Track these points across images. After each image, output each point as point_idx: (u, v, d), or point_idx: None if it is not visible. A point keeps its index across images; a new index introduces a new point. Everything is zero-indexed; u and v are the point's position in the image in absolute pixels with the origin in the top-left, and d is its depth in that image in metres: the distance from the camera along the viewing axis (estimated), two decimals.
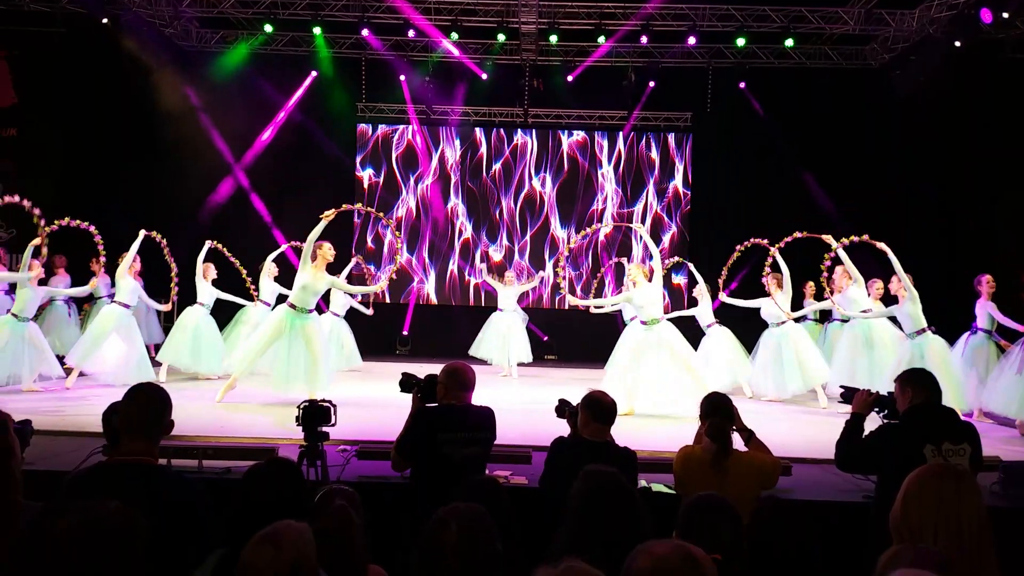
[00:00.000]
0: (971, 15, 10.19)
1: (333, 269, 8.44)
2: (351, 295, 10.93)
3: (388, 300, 13.99)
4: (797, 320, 9.49)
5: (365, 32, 12.23)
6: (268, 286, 10.22)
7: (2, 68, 12.60)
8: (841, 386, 4.28)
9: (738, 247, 9.59)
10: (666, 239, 14.11)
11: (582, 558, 1.73)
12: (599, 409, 3.79)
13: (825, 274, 8.91)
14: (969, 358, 8.22)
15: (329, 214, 7.86)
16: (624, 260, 11.92)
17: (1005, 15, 9.89)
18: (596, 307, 10.53)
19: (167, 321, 10.85)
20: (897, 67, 12.34)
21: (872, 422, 3.74)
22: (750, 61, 13.10)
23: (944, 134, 11.86)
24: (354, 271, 12.07)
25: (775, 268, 9.04)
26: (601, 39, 12.17)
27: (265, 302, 10.12)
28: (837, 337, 9.51)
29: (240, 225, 13.19)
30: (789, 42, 12.02)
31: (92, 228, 8.88)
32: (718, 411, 3.89)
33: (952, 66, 10.99)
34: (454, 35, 12.08)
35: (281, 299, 9.21)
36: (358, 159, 14.34)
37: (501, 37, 12.26)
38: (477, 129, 14.33)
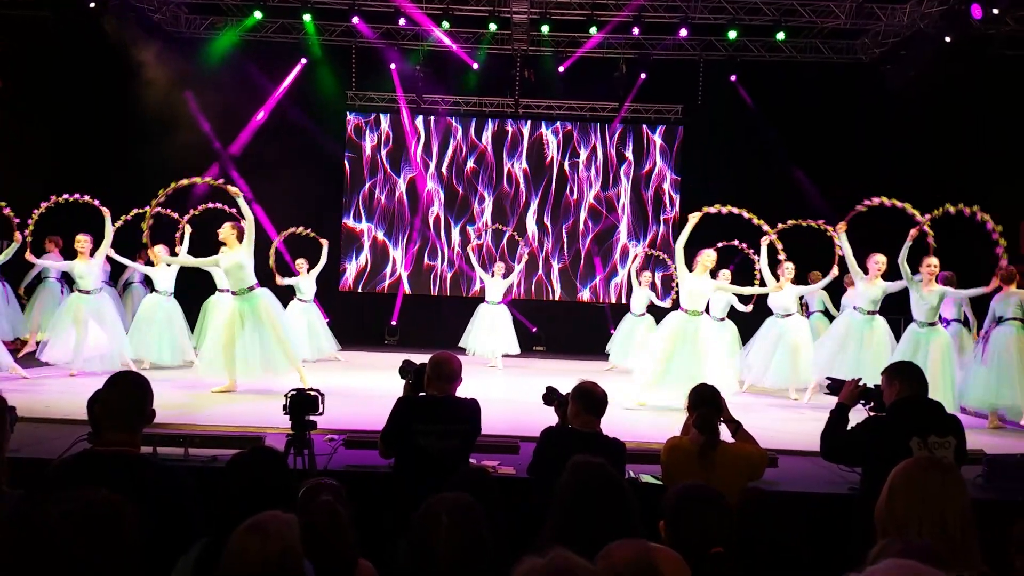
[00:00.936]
0: (962, 10, 10.23)
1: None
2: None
3: (361, 289, 14.01)
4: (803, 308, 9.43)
5: (356, 20, 12.15)
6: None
7: None
8: (828, 377, 4.29)
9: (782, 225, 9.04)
10: (653, 231, 14.14)
11: (570, 548, 1.72)
12: (590, 400, 3.79)
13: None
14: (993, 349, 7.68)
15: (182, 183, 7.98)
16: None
17: (995, 11, 9.95)
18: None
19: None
20: (888, 62, 12.38)
21: (859, 414, 3.76)
22: (741, 54, 13.10)
23: (934, 129, 11.90)
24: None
25: (771, 253, 8.69)
26: (593, 30, 12.14)
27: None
28: (821, 328, 9.56)
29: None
30: (780, 35, 12.03)
31: (97, 202, 8.79)
32: (706, 402, 3.90)
33: (942, 61, 11.02)
34: (445, 24, 12.02)
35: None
36: (347, 147, 14.27)
37: (492, 26, 12.21)
38: (468, 119, 14.29)
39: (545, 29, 12.18)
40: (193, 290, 10.33)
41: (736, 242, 10.53)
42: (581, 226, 14.21)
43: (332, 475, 4.19)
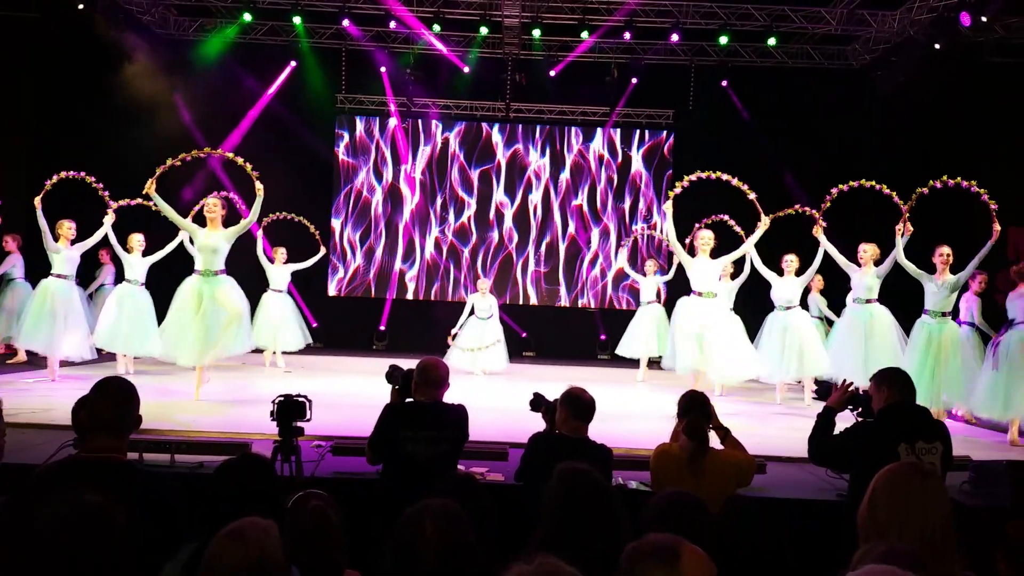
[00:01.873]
0: (951, 18, 10.30)
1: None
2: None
3: (350, 294, 13.99)
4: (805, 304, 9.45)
5: (346, 22, 12.12)
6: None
7: None
8: (816, 381, 4.30)
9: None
10: (640, 235, 14.16)
11: (558, 555, 1.71)
12: (578, 406, 3.79)
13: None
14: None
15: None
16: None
17: (984, 18, 10.02)
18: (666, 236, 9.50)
19: None
20: (878, 68, 12.43)
21: (846, 420, 3.76)
22: (733, 59, 13.14)
23: (924, 135, 11.96)
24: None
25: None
26: (584, 34, 12.16)
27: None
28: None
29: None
30: (772, 41, 12.08)
31: (92, 179, 8.70)
32: (695, 408, 3.91)
33: (932, 68, 11.08)
34: (436, 27, 12.00)
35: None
36: (336, 150, 14.23)
37: (484, 30, 12.21)
38: (458, 123, 14.27)
39: (536, 33, 12.19)
40: (166, 280, 10.12)
41: (725, 217, 10.27)
42: (572, 230, 14.21)
43: (319, 482, 4.19)
